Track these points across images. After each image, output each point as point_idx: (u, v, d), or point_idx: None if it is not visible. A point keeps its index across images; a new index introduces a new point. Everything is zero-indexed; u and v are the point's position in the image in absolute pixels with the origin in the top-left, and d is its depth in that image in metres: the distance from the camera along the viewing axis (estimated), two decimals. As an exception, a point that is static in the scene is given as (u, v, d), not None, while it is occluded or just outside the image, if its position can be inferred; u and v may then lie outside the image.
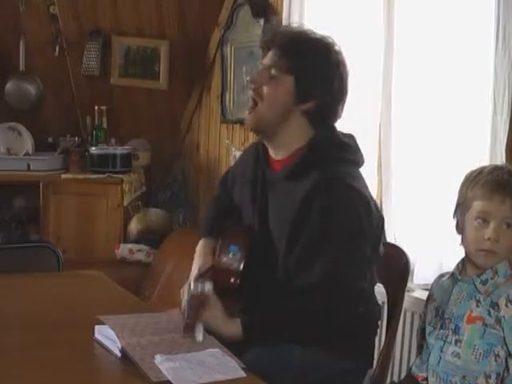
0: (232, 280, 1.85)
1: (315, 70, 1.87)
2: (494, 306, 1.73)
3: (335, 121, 1.95)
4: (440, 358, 1.79)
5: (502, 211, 1.74)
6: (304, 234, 1.80)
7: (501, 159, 2.25)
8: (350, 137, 1.96)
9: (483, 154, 2.31)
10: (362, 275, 1.80)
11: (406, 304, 2.19)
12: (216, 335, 1.75)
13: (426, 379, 1.83)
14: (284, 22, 3.23)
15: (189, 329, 1.73)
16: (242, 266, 1.84)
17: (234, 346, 1.70)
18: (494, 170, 1.79)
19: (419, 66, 2.57)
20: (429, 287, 2.00)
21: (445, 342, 1.79)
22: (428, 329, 1.87)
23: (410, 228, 2.61)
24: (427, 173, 2.57)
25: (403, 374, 2.44)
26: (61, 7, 4.01)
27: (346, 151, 1.90)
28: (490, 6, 2.26)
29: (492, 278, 1.76)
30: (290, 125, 1.90)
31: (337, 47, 1.92)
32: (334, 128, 1.95)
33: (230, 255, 1.88)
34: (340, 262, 1.77)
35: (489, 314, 1.73)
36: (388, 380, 2.10)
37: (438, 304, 1.87)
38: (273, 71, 1.88)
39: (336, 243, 1.77)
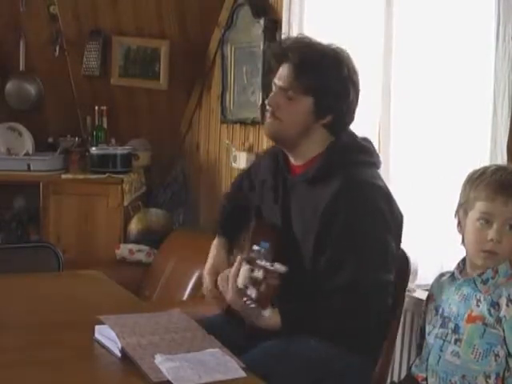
0: (283, 271, 1.83)
1: (331, 86, 1.91)
2: (495, 305, 1.73)
3: (351, 124, 2.00)
4: (439, 357, 1.79)
5: (505, 212, 1.73)
6: (331, 236, 1.85)
7: (501, 159, 2.24)
8: (367, 140, 2.02)
9: (483, 154, 2.30)
10: (388, 268, 1.86)
11: (406, 304, 2.19)
12: (250, 323, 1.81)
13: (426, 379, 1.83)
14: (284, 22, 3.24)
15: (265, 302, 1.76)
16: (284, 269, 1.81)
17: (234, 346, 1.70)
18: (498, 170, 1.79)
19: (419, 66, 2.56)
20: (429, 287, 2.00)
21: (444, 341, 1.79)
22: (428, 328, 1.87)
23: (411, 228, 2.61)
24: (427, 173, 2.56)
25: (403, 374, 2.44)
26: (61, 7, 4.01)
27: (365, 154, 1.96)
28: (490, 6, 2.26)
29: (493, 278, 1.76)
30: (309, 137, 1.95)
31: (345, 54, 1.96)
32: (351, 132, 2.01)
33: (261, 251, 1.88)
34: (369, 259, 1.83)
35: (489, 313, 1.73)
36: (388, 380, 2.10)
37: (437, 303, 1.87)
38: (290, 93, 1.91)
39: (363, 241, 1.84)
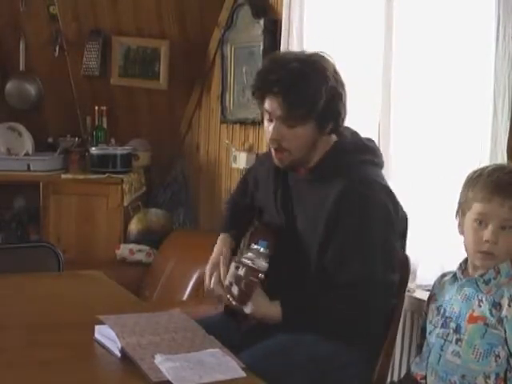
0: (260, 275, 1.88)
1: (325, 100, 1.88)
2: (497, 305, 1.73)
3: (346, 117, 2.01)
4: (440, 356, 1.79)
5: (501, 213, 1.73)
6: (338, 234, 1.87)
7: (501, 159, 2.24)
8: (371, 140, 2.05)
9: (483, 155, 2.30)
10: (393, 268, 1.89)
11: (406, 304, 2.19)
12: (252, 316, 1.87)
13: (425, 378, 1.83)
14: (284, 23, 3.23)
15: (244, 299, 1.84)
16: (267, 263, 1.88)
17: (234, 346, 1.70)
18: (495, 170, 1.79)
19: (419, 67, 2.56)
20: (429, 288, 2.00)
21: (445, 340, 1.79)
22: (429, 327, 1.87)
23: (411, 228, 2.61)
24: (427, 173, 2.57)
25: (403, 374, 2.44)
26: (61, 7, 4.01)
27: (370, 154, 1.99)
28: (490, 6, 2.26)
29: (495, 278, 1.76)
30: (317, 146, 1.95)
31: (325, 59, 1.93)
32: (355, 131, 2.03)
33: (259, 249, 1.93)
34: (374, 258, 1.85)
35: (491, 313, 1.73)
36: (388, 380, 2.10)
37: (439, 303, 1.87)
38: (290, 122, 1.90)
39: (370, 240, 1.86)
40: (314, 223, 1.92)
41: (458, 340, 1.76)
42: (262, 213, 2.11)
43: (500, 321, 1.71)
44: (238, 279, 1.86)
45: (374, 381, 1.96)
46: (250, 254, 1.94)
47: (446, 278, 1.90)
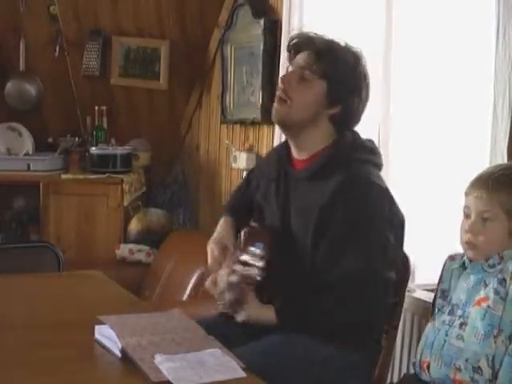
0: (253, 282, 1.89)
1: (347, 77, 1.95)
2: (502, 282, 1.72)
3: (356, 125, 2.03)
4: (445, 341, 1.78)
5: (479, 206, 1.76)
6: (331, 230, 1.86)
7: (501, 160, 2.23)
8: (371, 141, 2.05)
9: (483, 155, 2.30)
10: (389, 265, 1.88)
11: (406, 304, 2.18)
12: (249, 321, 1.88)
13: (428, 366, 1.81)
14: (284, 23, 3.24)
15: (236, 307, 1.85)
16: (264, 263, 1.88)
17: (233, 346, 1.70)
18: (492, 167, 1.82)
19: (419, 67, 2.57)
20: (429, 288, 1.99)
21: (450, 326, 1.78)
22: (435, 311, 1.87)
23: (411, 228, 2.61)
24: (427, 173, 2.57)
25: (403, 375, 2.43)
26: (61, 7, 4.01)
27: (370, 153, 1.99)
28: (490, 6, 2.26)
29: (499, 263, 1.76)
30: (316, 126, 1.97)
31: (363, 56, 2.00)
32: (356, 131, 2.03)
33: (255, 252, 1.93)
34: (369, 254, 1.84)
35: (495, 292, 1.71)
36: (388, 380, 2.10)
37: (445, 287, 1.87)
38: (306, 74, 1.94)
39: (364, 236, 1.85)
40: (307, 220, 1.91)
41: (462, 324, 1.75)
42: (262, 213, 2.10)
43: (505, 298, 1.69)
44: (230, 286, 1.86)
45: (373, 381, 1.96)
46: (245, 257, 1.93)
47: (454, 266, 1.89)
